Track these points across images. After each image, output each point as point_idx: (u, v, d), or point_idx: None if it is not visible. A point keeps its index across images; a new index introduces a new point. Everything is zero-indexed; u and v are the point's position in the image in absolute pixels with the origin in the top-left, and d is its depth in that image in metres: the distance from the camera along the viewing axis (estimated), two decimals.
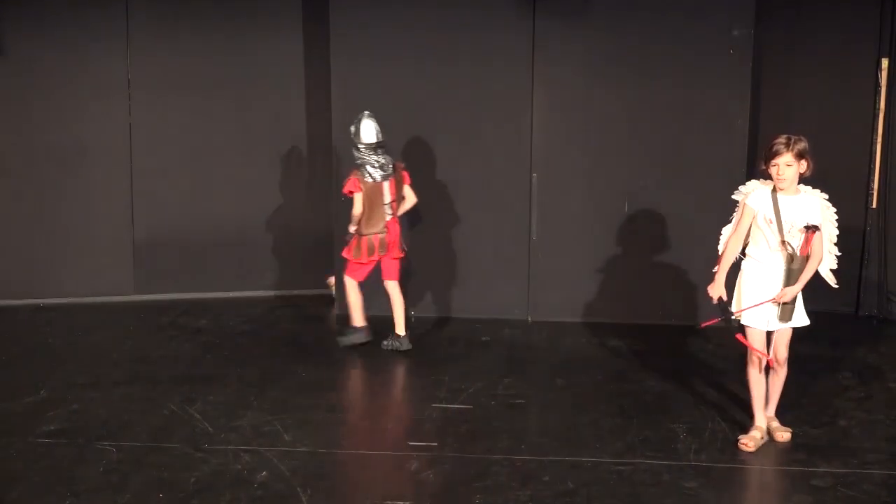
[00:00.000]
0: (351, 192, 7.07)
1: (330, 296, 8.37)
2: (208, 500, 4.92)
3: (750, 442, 5.55)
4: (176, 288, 8.61)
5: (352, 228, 7.13)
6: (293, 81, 8.53)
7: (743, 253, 5.58)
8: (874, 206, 8.09)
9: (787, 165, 5.32)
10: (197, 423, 5.87)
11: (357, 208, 7.06)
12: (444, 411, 6.11)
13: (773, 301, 5.43)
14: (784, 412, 5.85)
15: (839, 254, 5.71)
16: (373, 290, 7.36)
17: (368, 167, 7.04)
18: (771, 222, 5.39)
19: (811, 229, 5.36)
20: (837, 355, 7.20)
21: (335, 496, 5.03)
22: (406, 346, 7.24)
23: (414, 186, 7.27)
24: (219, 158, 8.54)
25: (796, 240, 5.39)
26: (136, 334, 7.67)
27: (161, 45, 8.36)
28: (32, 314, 8.19)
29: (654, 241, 7.87)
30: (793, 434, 5.69)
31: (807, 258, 5.41)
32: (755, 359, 5.55)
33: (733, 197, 5.72)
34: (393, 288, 7.27)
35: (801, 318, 5.54)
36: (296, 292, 8.66)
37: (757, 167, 5.80)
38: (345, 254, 7.24)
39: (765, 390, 5.63)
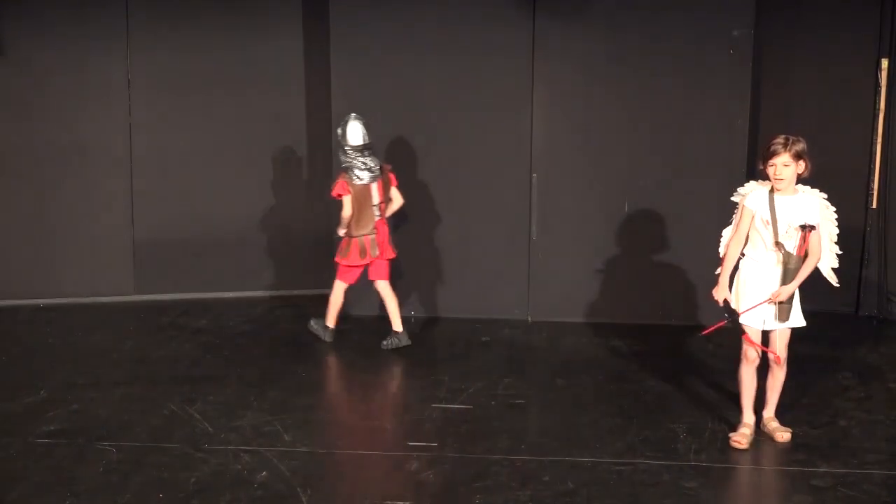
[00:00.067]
0: (340, 195, 7.09)
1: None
2: (208, 500, 4.92)
3: (742, 439, 5.57)
4: (176, 288, 8.60)
5: (341, 231, 7.15)
6: (293, 81, 8.52)
7: (742, 253, 5.59)
8: (874, 206, 8.09)
9: (785, 166, 5.33)
10: (197, 423, 5.87)
11: (346, 211, 7.08)
12: (444, 411, 6.11)
13: (769, 301, 5.44)
14: (784, 412, 5.85)
15: (840, 252, 5.71)
16: (364, 291, 7.37)
17: (356, 169, 7.08)
18: (768, 223, 5.40)
19: (808, 229, 5.37)
20: (837, 355, 7.20)
21: (335, 496, 5.03)
22: (405, 341, 7.25)
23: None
24: (219, 158, 8.53)
25: (793, 240, 5.40)
26: (136, 334, 7.67)
27: (161, 45, 8.35)
28: (32, 314, 8.19)
29: (654, 241, 7.86)
30: (793, 434, 5.69)
31: (804, 258, 5.42)
32: (749, 357, 5.57)
33: (732, 199, 5.72)
34: (384, 287, 7.29)
35: (797, 319, 5.54)
36: (295, 292, 8.65)
37: (756, 167, 5.81)
38: (337, 258, 7.24)
39: (755, 388, 5.64)
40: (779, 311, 5.46)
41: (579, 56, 7.78)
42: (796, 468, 5.35)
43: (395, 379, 6.86)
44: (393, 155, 7.85)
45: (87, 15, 8.25)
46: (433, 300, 8.14)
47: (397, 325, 7.28)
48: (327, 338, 7.37)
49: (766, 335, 5.60)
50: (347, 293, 7.35)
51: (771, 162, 5.35)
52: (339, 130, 7.16)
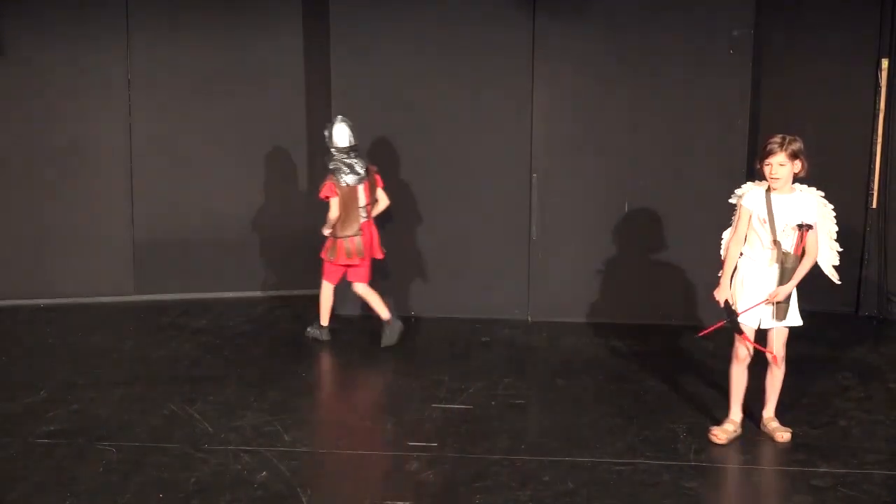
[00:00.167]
0: (328, 197, 7.12)
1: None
2: (208, 500, 4.92)
3: (721, 434, 5.59)
4: (176, 288, 8.60)
5: (326, 231, 7.19)
6: (293, 81, 8.52)
7: (741, 253, 5.59)
8: (874, 206, 8.09)
9: (781, 165, 5.33)
10: (197, 424, 5.87)
11: (333, 212, 7.12)
12: (444, 411, 6.11)
13: (767, 301, 5.44)
14: (784, 412, 5.85)
15: (840, 250, 5.71)
16: (349, 291, 7.37)
17: (343, 171, 7.09)
18: (765, 222, 5.40)
19: (804, 228, 5.37)
20: (837, 355, 7.20)
21: (335, 496, 5.03)
22: (398, 325, 7.27)
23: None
24: (219, 158, 8.53)
25: (790, 239, 5.40)
26: (136, 334, 7.67)
27: (161, 45, 8.35)
28: (32, 314, 8.18)
29: (654, 241, 7.86)
30: (793, 434, 5.69)
31: (801, 257, 5.42)
32: (739, 355, 5.58)
33: (730, 201, 5.72)
34: (363, 290, 7.32)
35: (794, 318, 5.54)
36: (295, 292, 8.64)
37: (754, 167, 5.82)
38: (323, 255, 7.27)
39: (745, 387, 5.65)
40: (776, 310, 5.46)
41: (579, 56, 7.78)
42: (796, 468, 5.35)
43: (394, 379, 6.86)
44: (392, 155, 7.86)
45: (87, 15, 8.25)
46: (433, 300, 8.14)
47: (385, 314, 7.29)
48: (324, 336, 7.40)
49: (763, 335, 5.60)
50: (335, 292, 7.40)
51: (767, 161, 5.36)
52: (326, 132, 7.23)
